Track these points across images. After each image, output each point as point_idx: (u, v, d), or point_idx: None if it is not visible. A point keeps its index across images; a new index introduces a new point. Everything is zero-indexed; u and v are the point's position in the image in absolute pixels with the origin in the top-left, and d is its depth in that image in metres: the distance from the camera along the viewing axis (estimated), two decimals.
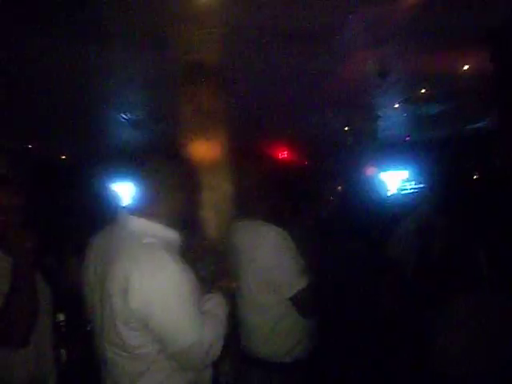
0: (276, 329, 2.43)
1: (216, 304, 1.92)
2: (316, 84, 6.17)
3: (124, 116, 7.08)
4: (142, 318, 1.66)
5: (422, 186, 5.19)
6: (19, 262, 1.85)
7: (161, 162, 1.88)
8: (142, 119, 7.22)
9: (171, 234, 1.84)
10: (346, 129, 9.09)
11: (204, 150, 4.50)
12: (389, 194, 6.72)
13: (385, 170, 9.43)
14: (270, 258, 2.36)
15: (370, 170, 8.06)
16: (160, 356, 1.74)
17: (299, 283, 2.33)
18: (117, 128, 8.07)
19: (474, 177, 3.95)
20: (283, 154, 9.88)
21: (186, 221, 1.94)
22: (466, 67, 6.09)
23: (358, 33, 4.60)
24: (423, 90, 7.06)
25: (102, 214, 2.39)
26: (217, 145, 4.55)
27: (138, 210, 1.83)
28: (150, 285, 1.64)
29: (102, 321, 1.78)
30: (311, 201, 3.46)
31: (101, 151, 9.46)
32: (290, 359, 2.46)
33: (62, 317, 2.21)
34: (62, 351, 2.29)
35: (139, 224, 1.79)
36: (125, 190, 7.62)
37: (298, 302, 2.36)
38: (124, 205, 2.09)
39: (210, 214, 2.89)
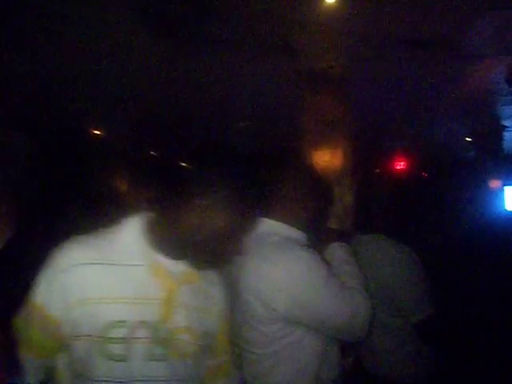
0: (398, 352, 2.29)
1: (344, 260, 1.86)
2: (439, 92, 6.01)
3: (242, 124, 7.20)
4: (279, 312, 1.64)
5: None
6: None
7: (295, 166, 1.90)
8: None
9: (297, 234, 1.83)
10: (469, 139, 8.63)
11: (326, 160, 4.44)
12: None
13: (510, 184, 8.82)
14: (393, 277, 2.22)
15: (494, 184, 7.56)
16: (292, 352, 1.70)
17: (425, 309, 2.16)
18: (231, 135, 8.03)
19: None
20: (400, 165, 9.63)
21: (314, 228, 1.92)
22: None
23: (485, 38, 4.43)
24: None
25: None
26: (339, 155, 4.49)
27: (267, 213, 1.82)
28: (282, 277, 1.63)
29: (236, 320, 1.74)
30: (435, 216, 3.28)
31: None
32: (410, 381, 2.33)
33: None
34: None
35: (267, 225, 1.78)
36: None
37: (422, 330, 2.19)
38: None
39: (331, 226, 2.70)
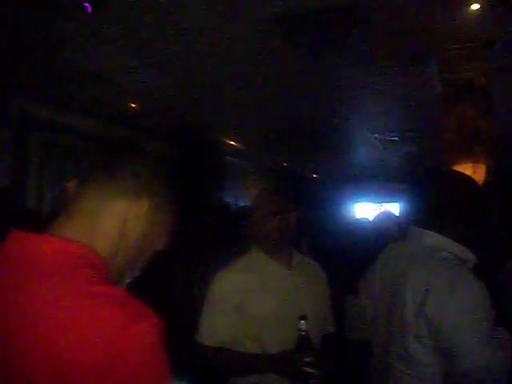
0: None
1: (504, 334, 1.67)
2: None
3: (377, 137, 7.24)
4: (435, 331, 1.61)
5: None
6: None
7: (456, 181, 1.90)
8: (395, 140, 7.23)
9: (467, 253, 1.75)
10: None
11: (467, 173, 4.78)
12: None
13: None
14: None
15: None
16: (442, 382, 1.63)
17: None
18: (368, 149, 7.54)
19: None
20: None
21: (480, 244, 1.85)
22: None
23: None
24: None
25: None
26: (481, 168, 4.30)
27: (430, 226, 1.81)
28: (449, 298, 1.59)
29: (388, 334, 1.79)
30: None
31: (351, 171, 9.78)
32: None
33: (303, 325, 1.87)
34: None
35: (435, 239, 1.78)
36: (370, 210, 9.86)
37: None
38: (410, 221, 2.00)
39: None
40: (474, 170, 4.31)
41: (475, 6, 3.19)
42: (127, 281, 1.08)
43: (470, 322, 1.59)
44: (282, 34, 3.56)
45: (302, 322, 1.86)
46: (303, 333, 1.86)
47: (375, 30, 3.52)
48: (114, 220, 1.01)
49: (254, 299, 2.04)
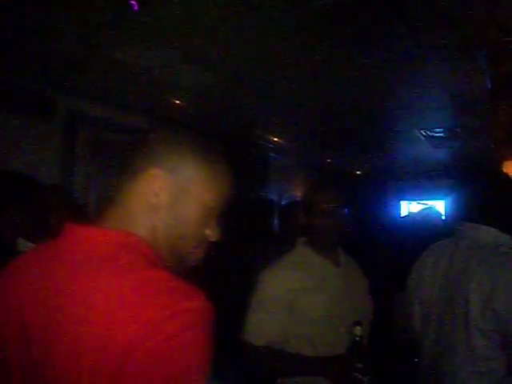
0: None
1: None
2: None
3: (423, 133, 7.01)
4: (504, 326, 1.63)
5: None
6: None
7: (506, 180, 1.95)
8: (441, 137, 7.06)
9: None
10: None
11: None
12: None
13: None
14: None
15: None
16: (505, 377, 1.66)
17: None
18: (413, 145, 7.31)
19: None
20: None
21: None
22: None
23: None
24: None
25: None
26: None
27: (483, 223, 1.83)
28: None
29: (441, 332, 1.80)
30: None
31: (396, 167, 9.56)
32: None
33: (358, 331, 1.83)
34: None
35: (494, 234, 1.80)
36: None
37: None
38: (457, 216, 2.00)
39: None
40: None
41: None
42: (191, 264, 1.08)
43: None
44: (328, 28, 3.52)
45: (358, 327, 1.85)
46: (357, 338, 1.85)
47: (422, 23, 3.45)
48: (139, 197, 1.01)
49: (307, 298, 2.01)
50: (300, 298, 2.00)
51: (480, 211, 1.87)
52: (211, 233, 1.08)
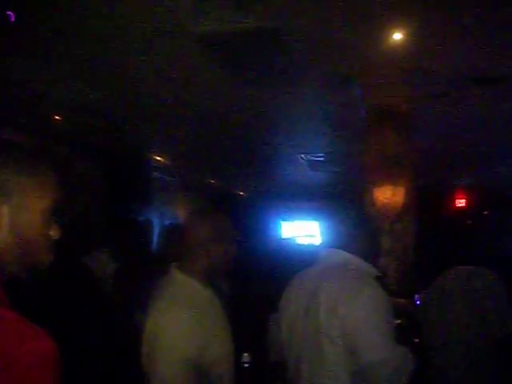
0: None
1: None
2: (504, 130, 5.79)
3: (303, 157, 7.29)
4: (345, 329, 1.75)
5: None
6: None
7: (359, 204, 2.19)
8: (320, 161, 7.37)
9: (370, 268, 1.97)
10: None
11: (387, 197, 4.46)
12: None
13: None
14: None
15: None
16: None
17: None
18: (294, 168, 7.69)
19: None
20: (461, 203, 9.72)
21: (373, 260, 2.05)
22: None
23: None
24: None
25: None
26: (400, 192, 4.48)
27: (339, 246, 1.99)
28: (357, 297, 1.78)
29: (300, 349, 1.90)
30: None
31: (276, 189, 10.04)
32: None
33: (247, 358, 1.96)
34: None
35: (343, 257, 1.96)
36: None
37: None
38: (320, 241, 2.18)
39: (389, 260, 3.80)
40: (393, 193, 4.51)
41: (397, 36, 3.31)
42: (44, 263, 1.10)
43: (372, 319, 1.78)
44: (208, 53, 3.56)
45: (245, 354, 1.90)
46: (246, 365, 1.94)
47: (300, 53, 3.57)
48: None
49: (212, 350, 1.81)
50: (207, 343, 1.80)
51: (339, 238, 2.06)
52: (53, 232, 1.13)
